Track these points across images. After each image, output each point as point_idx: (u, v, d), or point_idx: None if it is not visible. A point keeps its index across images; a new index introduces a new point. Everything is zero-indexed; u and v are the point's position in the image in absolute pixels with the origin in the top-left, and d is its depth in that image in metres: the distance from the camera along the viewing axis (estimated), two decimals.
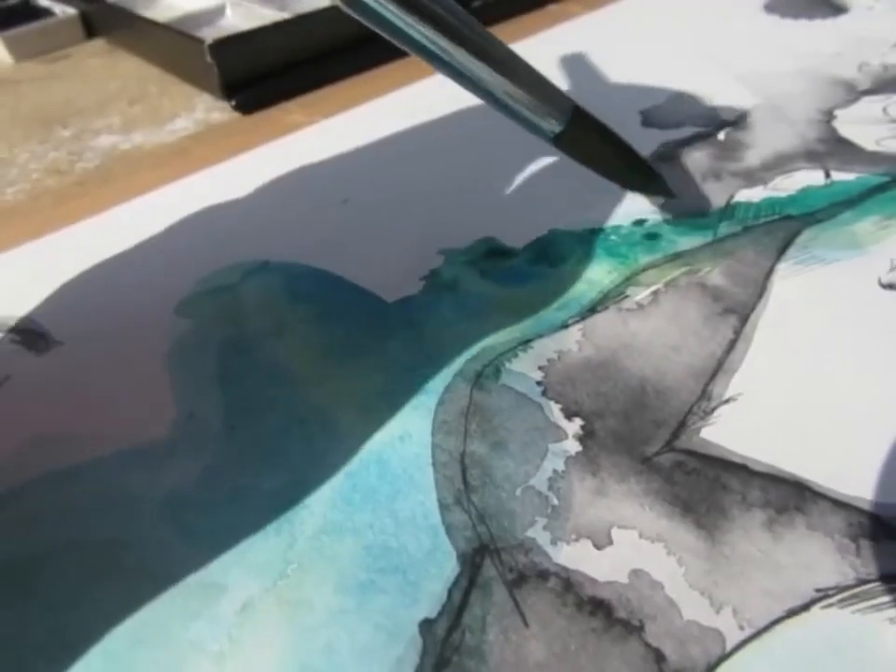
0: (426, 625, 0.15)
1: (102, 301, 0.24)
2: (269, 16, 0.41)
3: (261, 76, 0.37)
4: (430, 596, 0.15)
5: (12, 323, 0.23)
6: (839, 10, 0.39)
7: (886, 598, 0.14)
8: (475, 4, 0.43)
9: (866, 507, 0.16)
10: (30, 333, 0.23)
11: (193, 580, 0.16)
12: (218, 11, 0.44)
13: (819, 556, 0.15)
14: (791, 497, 0.16)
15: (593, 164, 0.24)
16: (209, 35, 0.40)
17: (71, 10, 0.47)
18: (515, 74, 0.21)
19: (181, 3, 0.46)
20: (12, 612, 0.16)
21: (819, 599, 0.15)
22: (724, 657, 0.14)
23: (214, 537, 0.17)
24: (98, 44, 0.47)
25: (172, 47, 0.39)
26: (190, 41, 0.37)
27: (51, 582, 0.16)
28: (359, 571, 0.16)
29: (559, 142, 0.22)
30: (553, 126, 0.22)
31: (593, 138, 0.23)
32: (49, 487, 0.18)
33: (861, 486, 0.16)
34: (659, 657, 0.14)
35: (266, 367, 0.21)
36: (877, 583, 0.15)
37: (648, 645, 0.14)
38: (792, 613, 0.14)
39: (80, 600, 0.16)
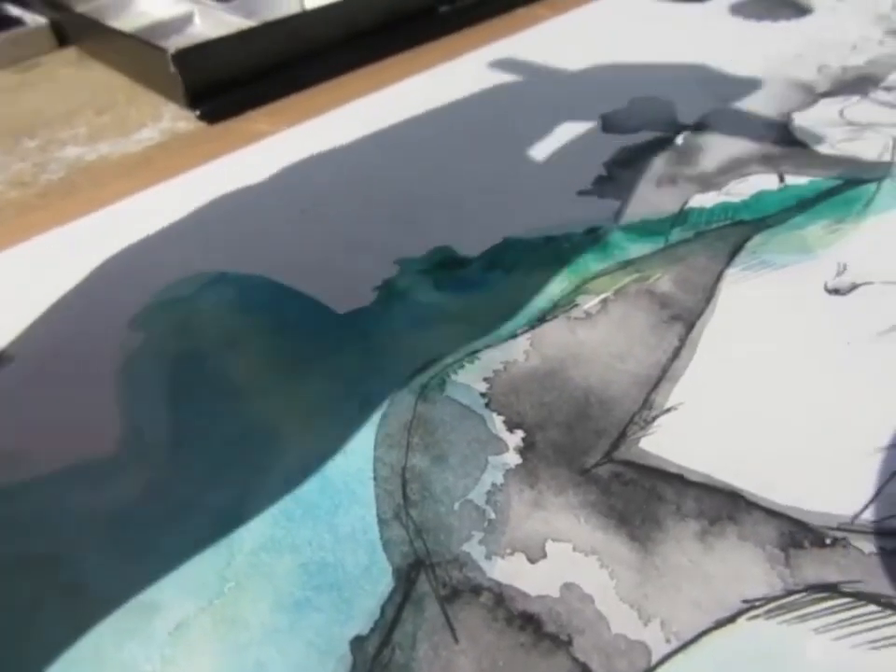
0: (357, 643, 0.15)
1: (57, 316, 0.24)
2: (236, 24, 0.41)
3: (226, 84, 0.37)
4: (364, 613, 0.15)
5: None
6: (803, 12, 0.39)
7: (812, 609, 0.15)
8: (443, 9, 0.43)
9: (798, 516, 0.16)
10: None
11: (129, 598, 0.16)
12: (187, 19, 0.44)
13: (748, 566, 0.15)
14: (724, 506, 0.16)
15: None
16: (177, 43, 0.40)
17: (42, 20, 0.47)
18: None
19: (151, 11, 0.46)
20: None
21: (747, 610, 0.15)
22: (650, 670, 0.14)
23: (153, 555, 0.17)
24: (70, 53, 0.47)
25: (138, 56, 0.39)
26: (154, 50, 0.36)
27: None
28: (295, 589, 0.16)
29: None
30: None
31: None
32: None
33: (794, 495, 0.16)
34: (585, 671, 0.14)
35: (215, 380, 0.21)
36: (804, 594, 0.15)
37: (575, 659, 0.14)
38: (720, 625, 0.15)
39: (17, 616, 0.16)
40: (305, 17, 0.39)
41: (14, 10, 0.49)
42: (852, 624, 0.14)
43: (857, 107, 0.30)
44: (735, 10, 0.40)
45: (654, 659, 0.14)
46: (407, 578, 0.16)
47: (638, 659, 0.14)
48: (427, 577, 0.16)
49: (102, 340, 0.23)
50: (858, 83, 0.32)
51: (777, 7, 0.40)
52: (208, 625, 0.15)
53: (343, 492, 0.18)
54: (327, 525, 0.17)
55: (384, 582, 0.16)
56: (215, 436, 0.19)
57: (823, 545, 0.16)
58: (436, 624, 0.15)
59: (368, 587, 0.16)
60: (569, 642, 0.14)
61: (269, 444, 0.19)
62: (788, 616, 0.14)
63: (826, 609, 0.15)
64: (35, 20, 0.48)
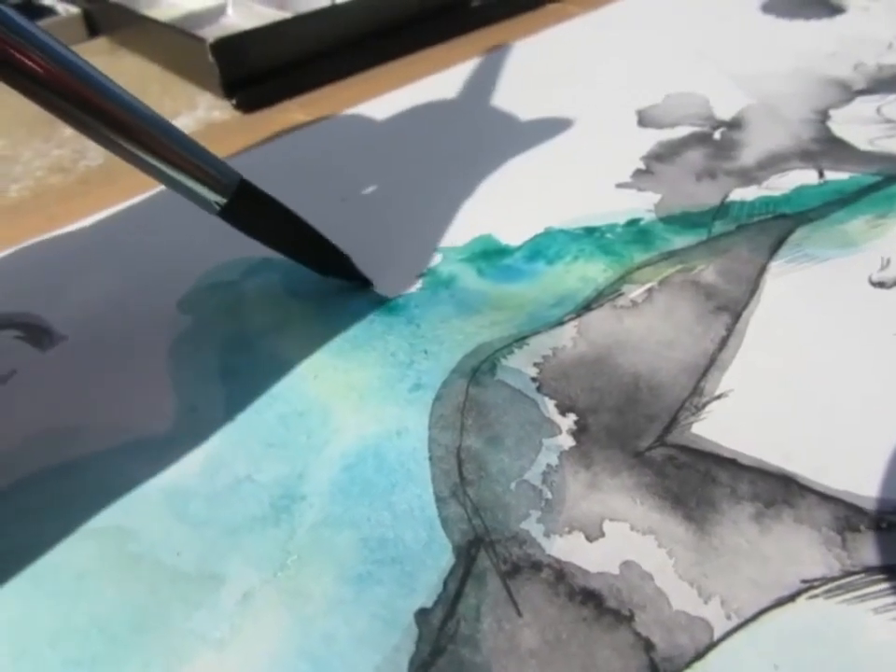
0: (422, 615, 0.15)
1: (105, 296, 0.25)
2: (269, 15, 0.41)
3: (262, 74, 0.37)
4: (426, 587, 0.16)
5: (17, 319, 0.24)
6: (836, 11, 0.39)
7: (870, 589, 0.15)
8: (475, 3, 0.43)
9: (852, 500, 0.16)
10: (34, 329, 0.24)
11: (195, 569, 0.16)
12: (220, 10, 0.45)
13: (805, 548, 0.16)
14: (779, 490, 0.17)
15: (263, 238, 0.22)
16: (210, 33, 0.40)
17: (74, 9, 0.48)
18: (173, 150, 0.19)
19: (183, 2, 0.46)
20: (20, 599, 0.16)
21: (805, 590, 0.15)
22: (712, 645, 0.14)
23: (215, 528, 0.17)
24: (101, 42, 0.48)
25: (173, 46, 0.40)
26: (192, 40, 0.37)
27: (58, 569, 0.16)
28: (357, 563, 0.16)
29: (225, 215, 0.21)
30: (218, 198, 0.20)
31: (261, 212, 0.22)
32: (55, 478, 0.18)
33: (847, 480, 0.17)
34: (648, 645, 0.14)
35: (266, 361, 0.21)
36: (861, 575, 0.15)
37: (637, 634, 0.15)
38: (779, 603, 0.15)
39: (85, 587, 0.16)
40: (339, 9, 0.40)
41: (46, 0, 0.50)
42: None
43: (894, 105, 0.30)
44: (767, 8, 0.40)
45: (717, 635, 0.14)
46: (467, 554, 0.16)
47: (700, 634, 0.14)
48: (487, 553, 0.16)
49: (150, 321, 0.23)
50: (895, 81, 0.32)
51: (809, 6, 0.40)
52: (274, 596, 0.16)
53: (399, 471, 0.18)
54: (384, 502, 0.17)
55: (444, 558, 0.16)
56: (269, 415, 0.20)
57: (879, 528, 0.16)
58: (498, 598, 0.15)
59: (429, 562, 0.16)
60: (631, 617, 0.15)
61: (323, 424, 0.19)
62: (847, 596, 0.15)
63: (884, 589, 0.15)
64: (67, 9, 0.48)
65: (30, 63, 0.16)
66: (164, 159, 0.19)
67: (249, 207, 0.21)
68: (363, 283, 0.24)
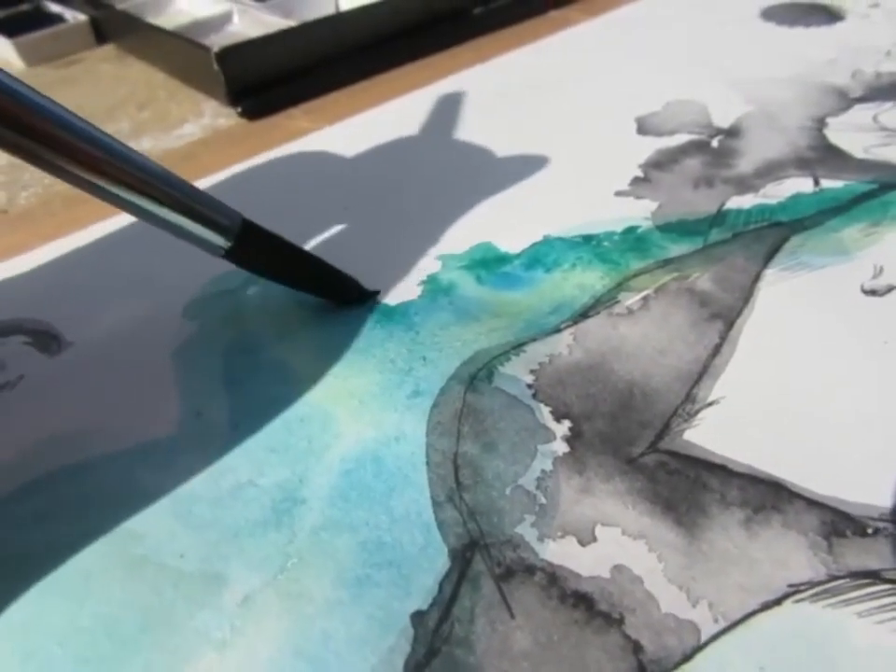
0: (417, 617, 0.16)
1: (112, 303, 0.25)
2: (274, 23, 0.42)
3: (267, 82, 0.38)
4: (422, 589, 0.16)
5: (26, 325, 0.24)
6: (835, 18, 0.40)
7: (854, 594, 0.15)
8: (477, 10, 0.44)
9: (839, 506, 0.17)
10: (43, 335, 0.24)
11: (198, 571, 0.17)
12: (226, 18, 0.45)
13: (792, 553, 0.16)
14: (768, 496, 0.17)
15: (271, 275, 0.23)
16: (216, 41, 0.41)
17: (81, 16, 0.48)
18: (174, 196, 0.19)
19: (190, 9, 0.47)
20: (29, 599, 0.16)
21: (792, 594, 0.15)
22: (699, 648, 0.15)
23: (218, 530, 0.18)
24: (108, 49, 0.48)
25: (179, 53, 0.40)
26: (198, 49, 0.37)
27: (65, 571, 0.17)
28: (356, 566, 0.17)
29: (231, 257, 0.21)
30: (222, 242, 0.20)
31: (266, 249, 0.22)
32: (62, 481, 0.19)
33: (835, 486, 0.17)
34: (637, 648, 0.15)
35: (269, 367, 0.22)
36: (847, 579, 0.15)
37: (627, 636, 0.15)
38: (766, 607, 0.15)
39: (92, 588, 0.17)
40: (343, 17, 0.40)
41: (54, 7, 0.50)
42: (894, 609, 0.15)
43: (891, 113, 0.31)
44: (767, 16, 0.41)
45: (703, 637, 0.15)
46: (462, 557, 0.17)
47: (688, 637, 0.15)
48: (481, 557, 0.16)
49: (156, 327, 0.24)
50: (892, 89, 0.32)
51: (809, 14, 0.40)
52: (274, 598, 0.16)
53: (397, 476, 0.18)
54: (382, 506, 0.18)
55: (440, 561, 0.17)
56: (271, 420, 0.20)
57: (865, 534, 0.16)
58: (492, 601, 0.16)
59: (425, 565, 0.16)
60: (621, 620, 0.15)
61: (324, 429, 0.20)
62: (832, 600, 0.15)
63: (868, 594, 0.15)
64: (75, 16, 0.49)
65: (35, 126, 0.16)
66: (169, 206, 0.19)
67: (254, 246, 0.21)
68: (367, 297, 0.24)
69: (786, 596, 0.15)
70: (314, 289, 0.24)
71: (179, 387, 0.22)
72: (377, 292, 0.24)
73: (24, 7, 0.50)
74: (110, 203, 0.19)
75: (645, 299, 0.23)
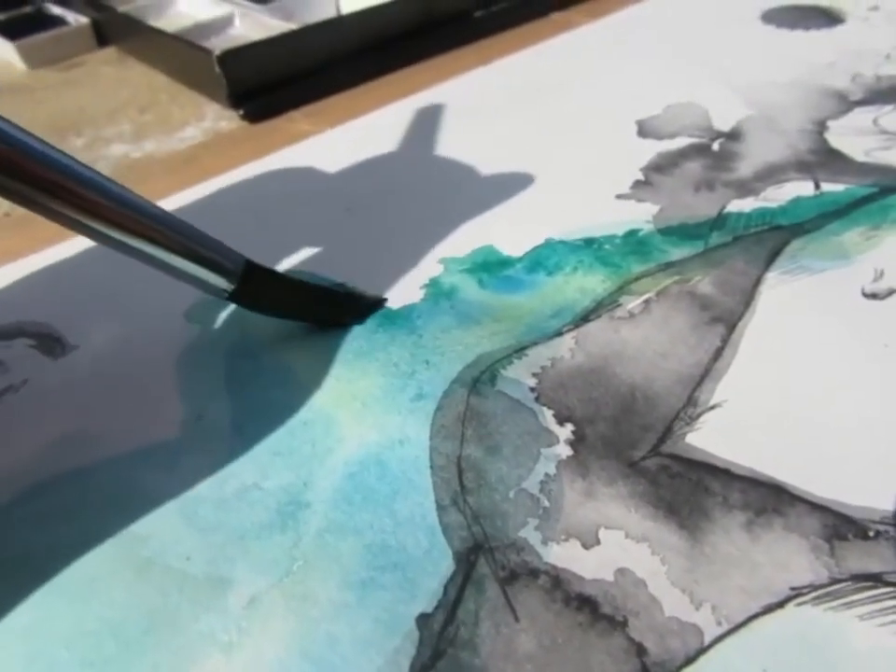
0: (422, 619, 0.16)
1: (114, 306, 0.25)
2: (276, 26, 0.42)
3: (269, 85, 0.38)
4: (427, 592, 0.16)
5: (29, 328, 0.24)
6: (835, 21, 0.40)
7: (856, 597, 0.15)
8: (478, 13, 0.44)
9: (841, 509, 0.17)
10: (46, 338, 0.24)
11: (203, 573, 0.17)
12: (227, 21, 0.45)
13: (794, 556, 0.16)
14: (769, 499, 0.17)
15: (277, 312, 0.23)
16: (218, 44, 0.41)
17: (83, 19, 0.48)
18: (175, 240, 0.19)
19: (191, 12, 0.47)
20: (35, 602, 0.17)
21: (794, 597, 0.15)
22: (703, 650, 0.15)
23: (223, 533, 0.18)
24: (109, 52, 0.48)
25: (181, 56, 0.40)
26: (199, 51, 0.37)
27: (71, 574, 0.17)
28: (360, 568, 0.17)
29: (235, 298, 0.21)
30: (225, 284, 0.20)
31: (269, 288, 0.22)
32: (67, 484, 0.19)
33: (836, 490, 0.17)
34: (641, 650, 0.15)
35: (271, 371, 0.22)
36: (849, 582, 0.15)
37: (630, 639, 0.15)
38: (768, 610, 0.15)
39: (98, 590, 0.17)
40: (345, 20, 0.40)
41: (56, 10, 0.50)
42: (895, 612, 0.15)
43: (891, 116, 0.31)
44: (767, 19, 0.41)
45: (707, 640, 0.15)
46: (467, 560, 0.17)
47: (692, 640, 0.15)
48: (486, 560, 0.17)
49: (159, 331, 0.24)
50: (892, 92, 0.32)
51: (809, 17, 0.40)
52: (280, 600, 0.16)
53: (401, 479, 0.19)
54: (387, 509, 0.18)
55: (444, 564, 0.17)
56: (275, 423, 0.20)
57: (866, 537, 0.16)
58: (497, 604, 0.16)
59: (430, 568, 0.17)
60: (625, 623, 0.15)
61: (327, 433, 0.20)
62: (834, 603, 0.15)
63: (870, 597, 0.15)
64: (76, 19, 0.49)
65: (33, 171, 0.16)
66: (171, 250, 0.19)
67: (257, 286, 0.21)
68: (378, 306, 0.24)
69: (788, 599, 0.15)
70: (322, 318, 0.23)
71: (182, 391, 0.22)
72: (384, 300, 0.24)
73: (26, 9, 0.50)
74: (109, 246, 0.18)
75: (646, 302, 0.23)
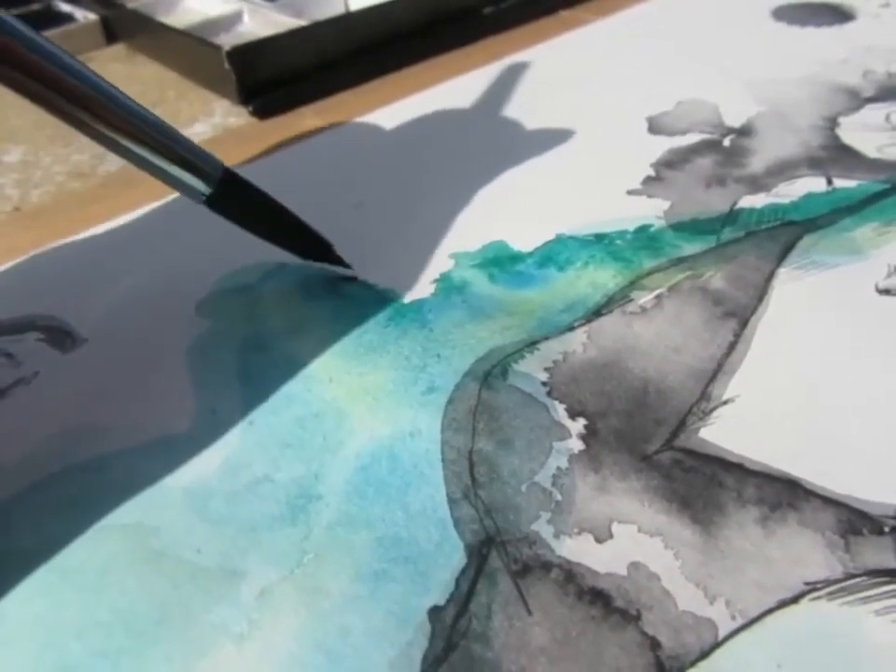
0: (434, 612, 0.16)
1: (125, 300, 0.25)
2: (285, 22, 0.42)
3: (278, 81, 0.38)
4: (439, 585, 0.16)
5: (39, 322, 0.25)
6: (846, 18, 0.40)
7: (871, 592, 0.15)
8: (487, 10, 0.44)
9: (855, 504, 0.17)
10: (56, 331, 0.24)
11: (215, 565, 0.17)
12: (236, 17, 0.45)
13: (809, 551, 0.16)
14: (784, 494, 0.17)
15: (249, 227, 0.23)
16: (227, 41, 0.41)
17: (92, 16, 0.48)
18: (157, 139, 0.20)
19: (200, 8, 0.47)
20: (46, 593, 0.17)
21: (809, 592, 0.15)
22: (717, 645, 0.15)
23: (234, 525, 0.18)
24: (118, 49, 0.48)
25: (190, 53, 0.40)
26: (209, 48, 0.37)
27: (82, 565, 0.17)
28: (372, 561, 0.17)
29: (211, 203, 0.22)
30: (203, 188, 0.21)
31: (245, 201, 0.23)
32: (78, 476, 0.19)
33: (851, 484, 0.17)
34: (655, 644, 0.15)
35: (283, 364, 0.22)
36: (864, 577, 0.15)
37: (644, 633, 0.15)
38: (783, 605, 0.15)
39: (109, 581, 0.17)
40: (354, 16, 0.40)
41: (65, 6, 0.50)
42: None
43: None
44: (778, 15, 0.41)
45: (721, 635, 0.15)
46: (479, 553, 0.17)
47: (706, 634, 0.15)
48: (498, 553, 0.16)
49: (169, 324, 0.24)
50: None
51: (820, 14, 0.40)
52: (291, 593, 0.16)
53: (413, 472, 0.19)
54: (398, 503, 0.18)
55: (456, 557, 0.17)
56: (286, 416, 0.20)
57: (882, 532, 0.16)
58: (509, 597, 0.16)
59: (441, 561, 0.16)
60: (638, 617, 0.15)
61: (339, 426, 0.20)
62: (849, 598, 0.15)
63: (886, 592, 0.15)
64: (85, 16, 0.49)
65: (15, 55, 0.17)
66: (152, 149, 0.20)
67: (234, 196, 0.22)
68: (340, 264, 0.25)
69: (803, 594, 0.15)
70: (289, 245, 0.24)
71: (193, 384, 0.22)
72: (350, 267, 0.25)
73: (35, 6, 0.50)
74: (96, 141, 0.19)
75: (658, 297, 0.23)
